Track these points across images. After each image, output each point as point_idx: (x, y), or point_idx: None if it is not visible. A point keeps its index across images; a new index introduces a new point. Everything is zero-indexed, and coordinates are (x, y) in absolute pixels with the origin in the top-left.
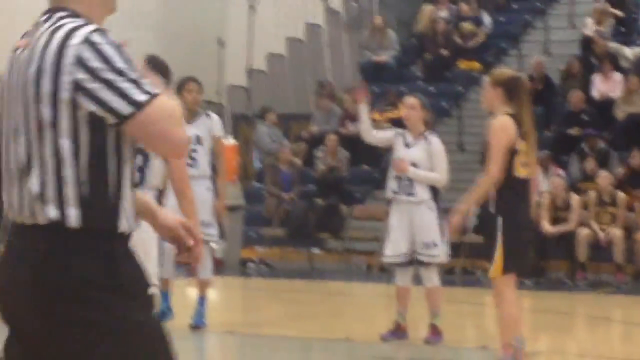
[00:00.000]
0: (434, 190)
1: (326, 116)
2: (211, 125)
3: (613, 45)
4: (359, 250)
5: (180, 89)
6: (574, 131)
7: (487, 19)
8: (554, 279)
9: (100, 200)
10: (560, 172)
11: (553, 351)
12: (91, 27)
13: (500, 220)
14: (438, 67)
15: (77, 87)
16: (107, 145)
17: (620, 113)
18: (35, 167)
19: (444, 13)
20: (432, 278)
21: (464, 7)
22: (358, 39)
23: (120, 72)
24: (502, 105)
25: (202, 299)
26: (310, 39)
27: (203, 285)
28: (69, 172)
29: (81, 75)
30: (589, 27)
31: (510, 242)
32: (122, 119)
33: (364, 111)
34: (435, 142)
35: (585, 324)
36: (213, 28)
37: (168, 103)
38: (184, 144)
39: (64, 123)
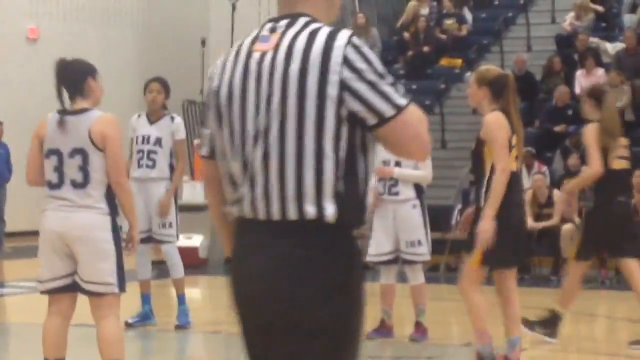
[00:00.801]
0: (418, 188)
1: None
2: (173, 127)
3: (594, 40)
4: None
5: (144, 89)
6: (559, 128)
7: (468, 15)
8: (538, 275)
9: (352, 197)
10: (544, 168)
11: (538, 347)
12: (348, 31)
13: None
14: (420, 64)
15: (344, 86)
16: (357, 144)
17: None
18: (291, 165)
19: (425, 10)
20: (417, 276)
21: (447, 4)
22: None
23: (381, 76)
24: (489, 104)
25: (181, 298)
26: None
27: (178, 285)
28: (328, 168)
29: (348, 75)
30: (569, 22)
31: (498, 238)
32: (384, 120)
33: None
34: None
35: (570, 320)
36: (195, 27)
37: (418, 109)
38: (429, 146)
39: (328, 120)
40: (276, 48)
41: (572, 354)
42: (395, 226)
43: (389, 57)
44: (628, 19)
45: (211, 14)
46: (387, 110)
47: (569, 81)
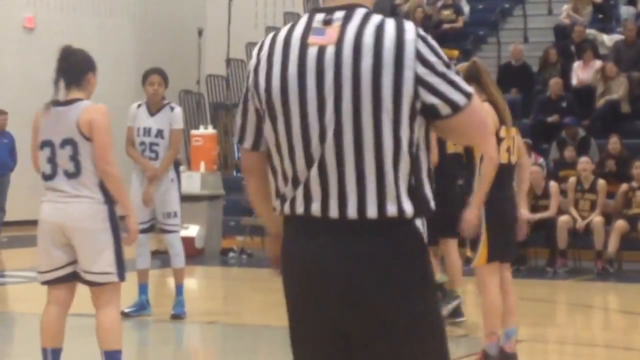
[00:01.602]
0: None
1: None
2: (172, 117)
3: (591, 32)
4: None
5: (143, 80)
6: (552, 119)
7: (465, 6)
8: (534, 267)
9: (421, 191)
10: (540, 160)
11: (534, 339)
12: (411, 22)
13: (483, 210)
14: None
15: (419, 80)
16: (423, 138)
17: (599, 99)
18: (369, 162)
19: (422, 0)
20: None
21: None
22: None
23: (448, 65)
24: (478, 97)
25: (179, 288)
26: None
27: (178, 275)
28: (405, 165)
29: (422, 69)
30: (567, 14)
31: (495, 232)
32: (458, 109)
33: None
34: None
35: (566, 311)
36: (192, 18)
37: (476, 95)
38: (488, 129)
39: (404, 116)
40: (339, 42)
41: (569, 346)
42: None
43: None
44: (625, 10)
45: (208, 4)
46: (461, 99)
47: (566, 73)
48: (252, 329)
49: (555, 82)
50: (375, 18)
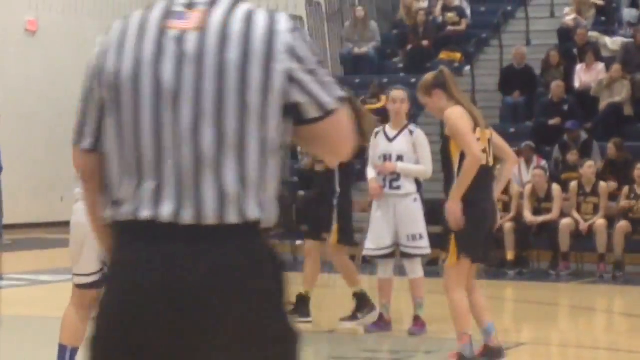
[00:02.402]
0: (417, 182)
1: None
2: None
3: (594, 34)
4: None
5: None
6: (554, 122)
7: (467, 9)
8: (537, 270)
9: (279, 197)
10: (543, 162)
11: (536, 342)
12: (285, 14)
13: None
14: (419, 58)
15: (289, 76)
16: (286, 141)
17: (602, 102)
18: (230, 162)
19: (424, 3)
20: (416, 269)
21: None
22: (339, 30)
23: (320, 64)
24: (448, 104)
25: None
26: None
27: None
28: (268, 167)
29: (294, 65)
30: (569, 16)
31: (466, 232)
32: (326, 113)
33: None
34: (419, 133)
35: (568, 314)
36: None
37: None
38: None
39: (272, 114)
40: (202, 29)
41: (571, 349)
42: (396, 219)
43: (388, 50)
44: (628, 13)
45: None
46: (330, 102)
47: (569, 75)
48: None
49: (557, 85)
50: (244, 5)
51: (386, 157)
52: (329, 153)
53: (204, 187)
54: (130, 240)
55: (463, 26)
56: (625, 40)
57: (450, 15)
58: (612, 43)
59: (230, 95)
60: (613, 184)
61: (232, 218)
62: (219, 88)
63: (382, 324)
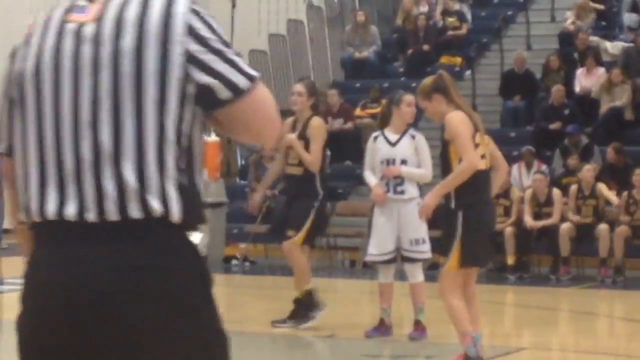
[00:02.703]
0: (419, 187)
1: None
2: None
3: (594, 39)
4: (343, 247)
5: None
6: (554, 126)
7: (468, 13)
8: (537, 274)
9: (193, 191)
10: (543, 167)
11: (537, 347)
12: None
13: (460, 215)
14: (420, 62)
15: (191, 58)
16: (196, 129)
17: (603, 106)
18: (129, 155)
19: (424, 8)
20: (417, 274)
21: (449, 2)
22: (340, 34)
23: (227, 44)
24: (447, 107)
25: None
26: (292, 35)
27: None
28: (170, 158)
29: (194, 46)
30: (572, 21)
31: (469, 237)
32: (239, 93)
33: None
34: (420, 138)
35: (569, 319)
36: None
37: (266, 88)
38: (279, 128)
39: (172, 102)
40: (99, 19)
41: (571, 353)
42: (399, 224)
43: (389, 54)
44: (628, 17)
45: (210, 11)
46: (242, 81)
47: (569, 80)
48: (255, 337)
49: (557, 90)
50: None
51: (389, 162)
52: (250, 137)
53: (105, 182)
54: (39, 242)
55: (464, 30)
56: (626, 44)
57: (451, 19)
58: (613, 47)
59: (127, 83)
60: (602, 185)
61: (135, 213)
62: (115, 77)
63: (383, 328)
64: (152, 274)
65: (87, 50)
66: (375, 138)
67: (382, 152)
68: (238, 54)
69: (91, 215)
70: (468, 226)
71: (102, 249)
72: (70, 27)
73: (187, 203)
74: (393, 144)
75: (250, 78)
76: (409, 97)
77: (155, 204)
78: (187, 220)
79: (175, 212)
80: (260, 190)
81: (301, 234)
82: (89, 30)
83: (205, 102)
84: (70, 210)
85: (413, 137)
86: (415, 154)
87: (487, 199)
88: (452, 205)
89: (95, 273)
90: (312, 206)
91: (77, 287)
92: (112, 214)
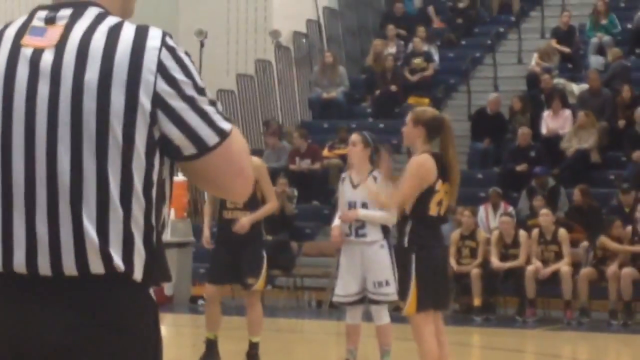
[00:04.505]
0: (385, 228)
1: (276, 153)
2: None
3: (560, 81)
4: (309, 287)
5: None
6: (521, 168)
7: (435, 55)
8: (504, 316)
9: (158, 246)
10: (510, 209)
11: None
12: (159, 29)
13: (413, 257)
14: (387, 103)
15: (159, 101)
16: (165, 177)
17: (569, 148)
18: (91, 203)
19: (392, 49)
20: (382, 316)
21: (417, 43)
22: (308, 75)
23: (200, 91)
24: (422, 144)
25: None
26: (260, 75)
27: None
28: (137, 209)
29: (164, 87)
30: (536, 63)
31: (424, 280)
32: (206, 149)
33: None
34: (381, 180)
35: None
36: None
37: (240, 136)
38: (252, 185)
39: (139, 146)
40: (60, 46)
41: None
42: (363, 267)
43: (357, 95)
44: (595, 60)
45: None
46: (210, 137)
47: (536, 121)
48: None
49: (523, 132)
50: (112, 20)
51: (351, 205)
52: (217, 192)
53: (61, 231)
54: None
55: (430, 71)
56: (587, 86)
57: (417, 61)
58: (579, 90)
59: (89, 123)
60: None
61: (95, 268)
62: (76, 115)
63: None
64: (109, 333)
65: (44, 82)
66: (343, 180)
67: (346, 194)
68: (213, 102)
69: (44, 268)
70: (421, 269)
71: (54, 308)
72: (26, 52)
73: (151, 259)
74: (355, 186)
75: (221, 133)
76: (352, 137)
77: (116, 260)
78: (150, 277)
79: (137, 268)
80: (207, 231)
81: (261, 280)
82: (47, 59)
83: (168, 152)
84: (19, 260)
85: (375, 179)
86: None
87: (440, 242)
88: (405, 243)
89: (49, 330)
90: (262, 248)
91: (29, 342)
92: (69, 268)
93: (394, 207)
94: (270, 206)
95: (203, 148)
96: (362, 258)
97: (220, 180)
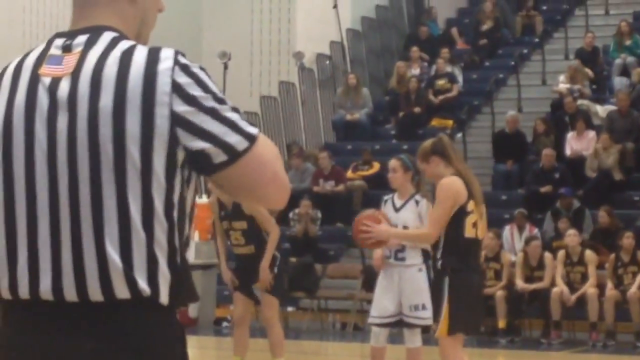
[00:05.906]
0: (425, 253)
1: (300, 175)
2: None
3: (584, 102)
4: (333, 309)
5: None
6: (545, 190)
7: (459, 76)
8: (529, 338)
9: (182, 265)
10: (535, 231)
11: None
12: (171, 49)
13: (447, 280)
14: (411, 124)
15: (179, 121)
16: (188, 198)
17: (592, 170)
18: (113, 229)
19: (416, 71)
20: (415, 340)
21: (440, 64)
22: (332, 96)
23: (220, 100)
24: (445, 169)
25: None
26: (284, 97)
27: None
28: (160, 232)
29: (182, 107)
30: (562, 85)
31: (457, 303)
32: (237, 155)
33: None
34: (424, 203)
35: None
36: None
37: (270, 141)
38: (289, 190)
39: (158, 169)
40: (75, 74)
41: None
42: (400, 289)
43: (380, 117)
44: (619, 81)
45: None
46: (239, 142)
47: (560, 143)
48: None
49: (547, 153)
50: (125, 44)
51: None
52: (255, 199)
53: (85, 256)
54: (10, 322)
55: (454, 92)
56: (611, 108)
57: (441, 82)
58: (603, 111)
59: (107, 149)
60: (590, 253)
61: (120, 293)
62: (93, 143)
63: None
64: (134, 358)
65: (62, 110)
66: (385, 202)
67: (388, 217)
68: (235, 109)
69: (70, 294)
70: (455, 293)
71: (80, 334)
72: (45, 82)
73: (176, 280)
74: (397, 210)
75: (249, 137)
76: (391, 163)
77: (142, 284)
78: (177, 298)
79: (163, 293)
80: (224, 267)
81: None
82: (63, 87)
83: (199, 167)
84: (45, 287)
85: (417, 202)
86: (419, 220)
87: (475, 266)
88: (439, 266)
89: (75, 355)
90: (273, 273)
91: None
92: (95, 294)
93: (434, 237)
94: (274, 236)
95: (233, 154)
96: (399, 281)
97: (255, 187)
